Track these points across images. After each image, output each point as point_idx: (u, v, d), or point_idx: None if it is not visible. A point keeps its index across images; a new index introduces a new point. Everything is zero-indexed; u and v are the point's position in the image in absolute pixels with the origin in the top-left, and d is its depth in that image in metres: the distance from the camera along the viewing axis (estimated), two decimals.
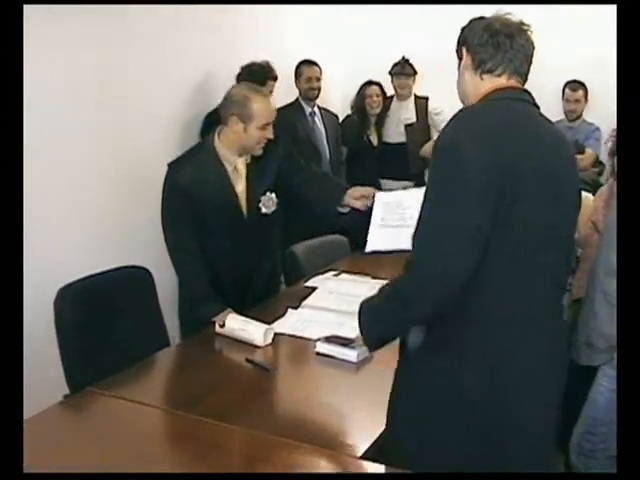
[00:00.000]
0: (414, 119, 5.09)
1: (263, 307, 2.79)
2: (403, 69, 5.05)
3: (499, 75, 1.76)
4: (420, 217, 1.65)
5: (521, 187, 1.61)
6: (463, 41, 1.86)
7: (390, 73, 5.07)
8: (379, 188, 5.02)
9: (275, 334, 2.48)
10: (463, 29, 1.97)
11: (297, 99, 4.60)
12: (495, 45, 1.74)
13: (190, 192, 2.70)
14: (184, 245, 2.74)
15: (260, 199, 2.89)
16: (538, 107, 1.81)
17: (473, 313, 1.65)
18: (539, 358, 1.71)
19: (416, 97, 5.17)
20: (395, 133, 5.09)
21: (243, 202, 2.85)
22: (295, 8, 4.96)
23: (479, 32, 1.77)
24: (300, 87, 4.57)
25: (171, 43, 3.84)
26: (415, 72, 5.09)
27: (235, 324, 2.51)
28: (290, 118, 4.33)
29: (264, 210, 2.91)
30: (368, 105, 4.96)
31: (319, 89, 4.58)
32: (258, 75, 3.90)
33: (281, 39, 4.70)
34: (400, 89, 5.06)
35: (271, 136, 2.78)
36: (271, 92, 3.94)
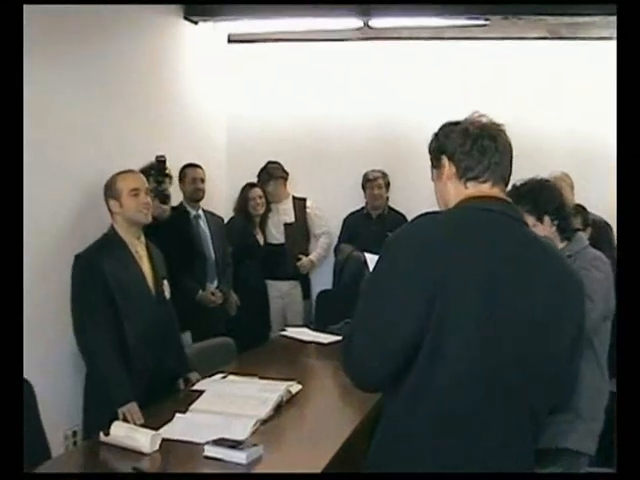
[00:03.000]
0: (293, 219, 5.32)
1: (151, 412, 2.76)
2: (270, 173, 5.27)
3: (484, 182, 1.70)
4: (357, 307, 1.63)
5: (454, 300, 1.53)
6: (441, 150, 1.75)
7: (258, 179, 5.27)
8: (264, 288, 5.15)
9: (163, 440, 2.45)
10: (437, 136, 1.78)
11: (181, 203, 4.54)
12: (481, 150, 1.68)
13: (103, 275, 2.93)
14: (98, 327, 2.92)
15: (163, 283, 3.19)
16: (524, 223, 1.73)
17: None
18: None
19: (294, 198, 5.38)
20: (278, 233, 5.29)
21: (150, 283, 3.12)
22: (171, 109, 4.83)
23: (459, 139, 1.70)
24: (185, 189, 4.54)
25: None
26: (286, 174, 5.33)
27: (121, 432, 2.46)
28: (174, 223, 4.23)
29: (166, 294, 3.20)
30: (252, 207, 5.07)
31: (204, 191, 4.58)
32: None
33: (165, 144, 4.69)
34: (274, 192, 5.28)
35: (147, 200, 3.12)
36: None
